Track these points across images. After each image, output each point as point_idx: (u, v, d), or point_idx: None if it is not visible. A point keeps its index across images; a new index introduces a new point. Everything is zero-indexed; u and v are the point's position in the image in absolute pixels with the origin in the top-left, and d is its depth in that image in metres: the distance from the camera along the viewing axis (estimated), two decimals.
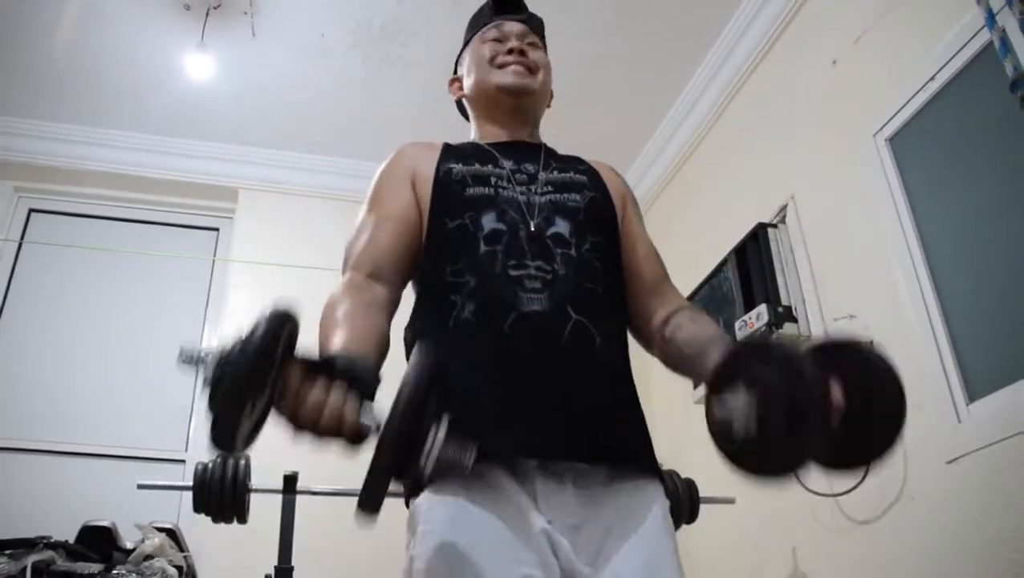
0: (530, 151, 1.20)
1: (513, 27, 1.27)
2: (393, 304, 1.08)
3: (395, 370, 1.17)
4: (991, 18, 1.62)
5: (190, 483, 1.93)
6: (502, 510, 0.87)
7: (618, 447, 0.97)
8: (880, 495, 1.93)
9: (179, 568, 1.99)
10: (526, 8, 1.31)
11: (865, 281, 2.09)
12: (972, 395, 1.72)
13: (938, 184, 1.91)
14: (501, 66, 1.22)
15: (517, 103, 1.23)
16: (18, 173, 3.19)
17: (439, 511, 0.87)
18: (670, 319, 1.11)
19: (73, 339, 3.04)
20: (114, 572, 1.86)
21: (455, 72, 1.36)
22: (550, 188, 1.13)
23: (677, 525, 2.20)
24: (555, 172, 1.16)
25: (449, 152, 1.18)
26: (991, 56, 1.67)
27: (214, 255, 3.36)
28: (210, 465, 1.95)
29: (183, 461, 2.90)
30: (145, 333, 3.11)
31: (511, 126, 1.23)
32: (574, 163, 1.22)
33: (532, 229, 1.06)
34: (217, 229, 3.43)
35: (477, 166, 1.13)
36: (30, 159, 3.17)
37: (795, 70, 2.52)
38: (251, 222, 3.32)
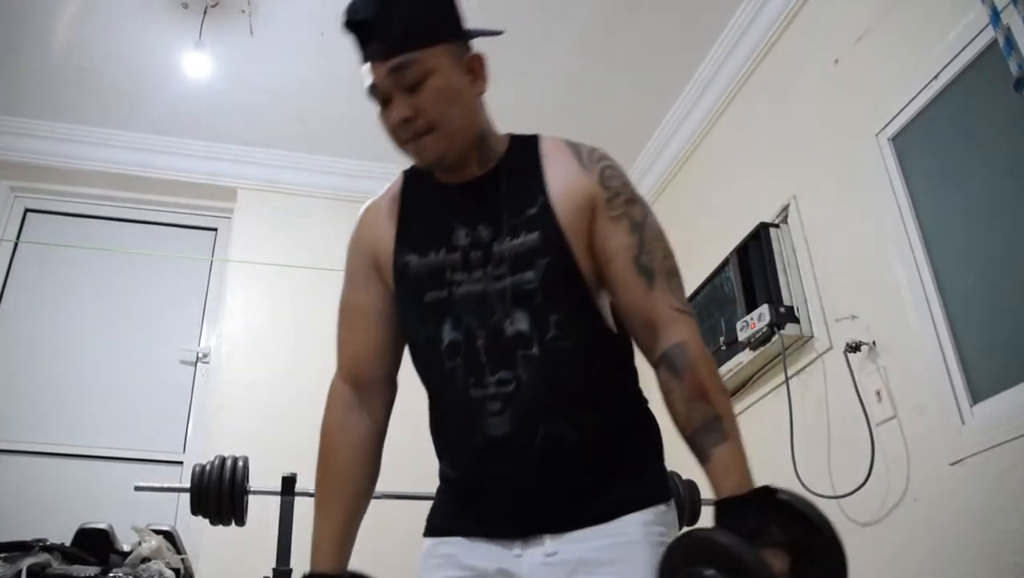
0: (486, 194, 1.05)
1: (380, 77, 0.99)
2: (386, 402, 1.13)
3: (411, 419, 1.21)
4: (995, 16, 1.61)
5: (187, 485, 1.92)
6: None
7: (593, 517, 0.98)
8: (883, 497, 1.92)
9: (176, 570, 1.98)
10: (383, 40, 0.98)
11: (867, 281, 2.08)
12: (976, 396, 1.72)
13: (941, 184, 1.90)
14: (403, 142, 1.02)
15: (440, 167, 1.07)
16: (14, 172, 3.18)
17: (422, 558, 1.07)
18: (659, 369, 1.00)
19: (69, 340, 3.02)
20: (111, 575, 1.85)
21: None
22: (505, 269, 1.01)
23: (679, 527, 2.19)
24: (510, 237, 1.02)
25: (404, 221, 1.09)
26: (995, 54, 1.66)
27: (212, 255, 3.34)
28: (208, 467, 1.93)
29: (180, 463, 2.88)
30: (142, 334, 3.10)
31: (455, 171, 1.07)
32: (530, 200, 1.03)
33: (490, 333, 1.00)
34: (215, 229, 3.42)
35: (432, 256, 1.04)
36: (26, 158, 3.15)
37: (797, 69, 2.51)
38: (250, 222, 3.30)
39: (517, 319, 1.00)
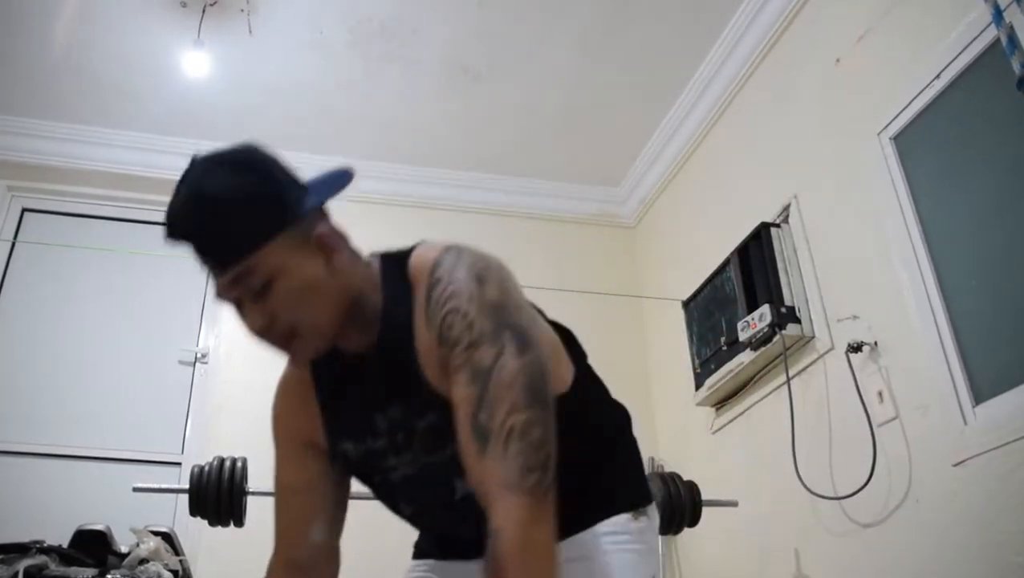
0: (382, 368, 0.98)
1: (224, 288, 0.92)
2: (330, 576, 1.07)
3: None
4: (998, 14, 1.60)
5: (186, 486, 1.91)
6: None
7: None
8: (885, 498, 1.91)
9: (175, 572, 1.97)
10: (211, 253, 0.90)
11: (869, 281, 2.07)
12: (978, 397, 1.71)
13: (943, 183, 1.89)
14: (271, 344, 0.94)
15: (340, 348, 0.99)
16: (11, 172, 3.17)
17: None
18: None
19: (67, 340, 3.01)
20: (109, 576, 1.84)
21: None
22: (428, 445, 0.97)
23: (679, 528, 2.18)
24: (417, 417, 0.97)
25: (325, 407, 1.04)
26: (998, 53, 1.65)
27: None
28: (206, 468, 1.93)
29: (179, 464, 2.87)
30: (141, 334, 3.09)
31: (344, 343, 0.98)
32: (414, 378, 0.95)
33: (442, 503, 0.99)
34: None
35: (367, 442, 1.00)
36: (24, 158, 3.14)
37: (798, 68, 2.50)
38: None
39: (458, 487, 0.96)
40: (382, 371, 0.97)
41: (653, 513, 1.06)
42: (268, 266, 0.88)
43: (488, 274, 0.92)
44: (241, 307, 0.92)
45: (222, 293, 0.92)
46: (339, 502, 1.06)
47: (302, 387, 1.06)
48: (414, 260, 0.96)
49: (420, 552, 1.14)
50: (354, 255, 0.98)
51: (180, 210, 0.92)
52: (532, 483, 0.80)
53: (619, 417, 1.13)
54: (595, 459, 1.04)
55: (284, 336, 0.91)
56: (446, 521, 1.04)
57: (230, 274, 0.89)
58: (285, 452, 1.07)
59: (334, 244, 0.95)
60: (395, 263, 0.98)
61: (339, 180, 0.98)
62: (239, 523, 1.93)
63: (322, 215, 0.97)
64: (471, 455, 0.83)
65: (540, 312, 1.07)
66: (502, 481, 0.80)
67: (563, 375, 1.02)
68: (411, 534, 1.17)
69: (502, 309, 0.89)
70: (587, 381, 1.09)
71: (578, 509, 0.96)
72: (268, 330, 0.91)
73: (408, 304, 0.95)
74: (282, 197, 0.92)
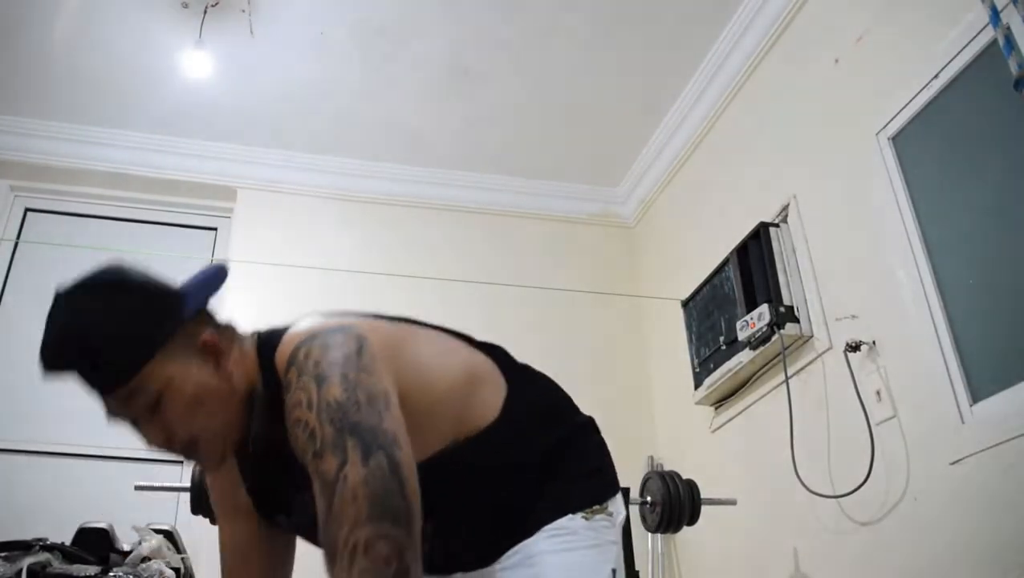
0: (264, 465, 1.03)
1: (115, 409, 0.92)
2: None
3: None
4: (995, 15, 1.60)
5: (188, 484, 1.92)
6: None
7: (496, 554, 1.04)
8: (883, 496, 1.92)
9: (177, 570, 1.98)
10: (93, 379, 0.90)
11: (867, 281, 2.08)
12: (975, 396, 1.71)
13: (941, 183, 1.90)
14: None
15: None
16: (14, 172, 3.18)
17: None
18: None
19: None
20: (111, 574, 1.85)
21: None
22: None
23: (678, 527, 2.19)
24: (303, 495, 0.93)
25: (252, 489, 1.09)
26: (995, 54, 1.66)
27: (212, 255, 3.34)
28: None
29: (180, 462, 2.88)
30: None
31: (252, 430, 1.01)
32: (287, 466, 0.94)
33: None
34: (215, 229, 3.41)
35: (297, 517, 1.04)
36: (27, 158, 3.15)
37: (797, 68, 2.51)
38: (250, 222, 3.30)
39: None
40: (259, 462, 1.02)
41: (615, 506, 1.06)
42: (154, 382, 0.88)
43: (331, 370, 0.86)
44: (137, 424, 0.92)
45: (115, 414, 0.91)
46: (282, 555, 1.12)
47: (228, 463, 1.07)
48: (277, 357, 0.94)
49: None
50: (241, 348, 0.98)
51: (53, 348, 0.89)
52: None
53: (566, 423, 1.11)
54: (534, 475, 1.03)
55: (186, 446, 0.92)
56: None
57: (118, 397, 0.89)
58: (221, 515, 1.13)
59: (221, 347, 0.94)
60: (268, 352, 0.96)
61: (214, 279, 0.98)
62: None
63: (206, 317, 0.97)
64: (326, 566, 0.78)
65: (465, 336, 1.09)
66: None
67: (489, 404, 1.02)
68: None
69: (343, 411, 0.82)
70: (522, 397, 1.05)
71: (517, 523, 1.00)
72: (168, 443, 0.91)
73: (276, 400, 0.91)
74: (157, 313, 0.91)
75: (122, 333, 0.88)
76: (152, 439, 0.91)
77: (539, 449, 1.04)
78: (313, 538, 0.99)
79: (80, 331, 0.88)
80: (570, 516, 1.01)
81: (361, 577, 0.73)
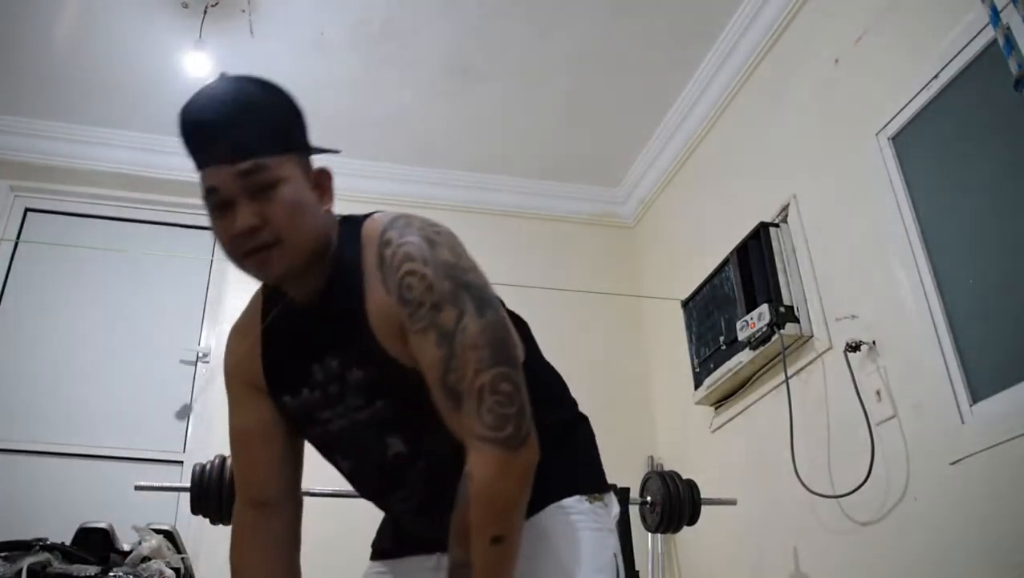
0: (326, 318, 1.00)
1: (225, 179, 0.92)
2: (293, 518, 1.10)
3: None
4: (995, 15, 1.60)
5: (188, 484, 1.92)
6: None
7: None
8: (883, 496, 1.92)
9: (177, 570, 1.98)
10: (230, 142, 0.93)
11: (867, 280, 2.08)
12: (975, 396, 1.72)
13: (941, 183, 1.90)
14: (242, 254, 0.94)
15: (283, 283, 1.01)
16: (15, 172, 3.18)
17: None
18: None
19: (70, 339, 3.02)
20: (111, 574, 1.85)
21: None
22: (360, 400, 0.99)
23: (678, 527, 2.19)
24: (355, 368, 0.98)
25: (269, 356, 1.06)
26: (995, 54, 1.66)
27: (212, 255, 3.34)
28: (207, 466, 1.94)
29: (180, 462, 2.88)
30: (142, 333, 3.10)
31: (298, 287, 1.01)
32: (358, 332, 0.97)
33: (374, 460, 1.02)
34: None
35: (303, 394, 1.02)
36: (27, 158, 3.15)
37: (797, 68, 2.51)
38: None
39: (391, 443, 1.00)
40: (324, 322, 0.99)
41: (611, 502, 1.08)
42: (277, 173, 0.93)
43: (439, 237, 0.95)
44: (229, 207, 0.92)
45: (222, 185, 0.91)
46: (295, 447, 1.09)
47: (252, 339, 1.08)
48: (367, 224, 1.00)
49: (376, 553, 1.15)
50: (329, 208, 1.03)
51: (211, 99, 0.95)
52: (505, 435, 0.85)
53: (572, 408, 1.14)
54: (553, 435, 1.03)
55: (266, 242, 0.92)
56: (380, 481, 1.05)
57: (242, 166, 0.91)
58: (239, 397, 1.09)
59: (328, 188, 1.01)
60: (351, 224, 1.02)
61: (328, 149, 1.04)
62: None
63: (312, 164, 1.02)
64: (446, 410, 0.89)
65: (500, 301, 1.08)
66: (476, 434, 0.86)
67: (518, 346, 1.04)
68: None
69: (457, 270, 0.92)
70: (537, 368, 1.09)
71: (538, 483, 0.97)
72: (254, 231, 0.91)
73: (358, 262, 0.97)
74: (304, 125, 1.00)
75: (276, 117, 0.97)
76: (242, 223, 0.91)
77: (549, 424, 1.03)
78: (306, 423, 1.04)
79: (244, 95, 0.95)
80: (578, 497, 1.03)
81: (491, 413, 0.85)
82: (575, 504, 1.02)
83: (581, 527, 1.00)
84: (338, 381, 0.99)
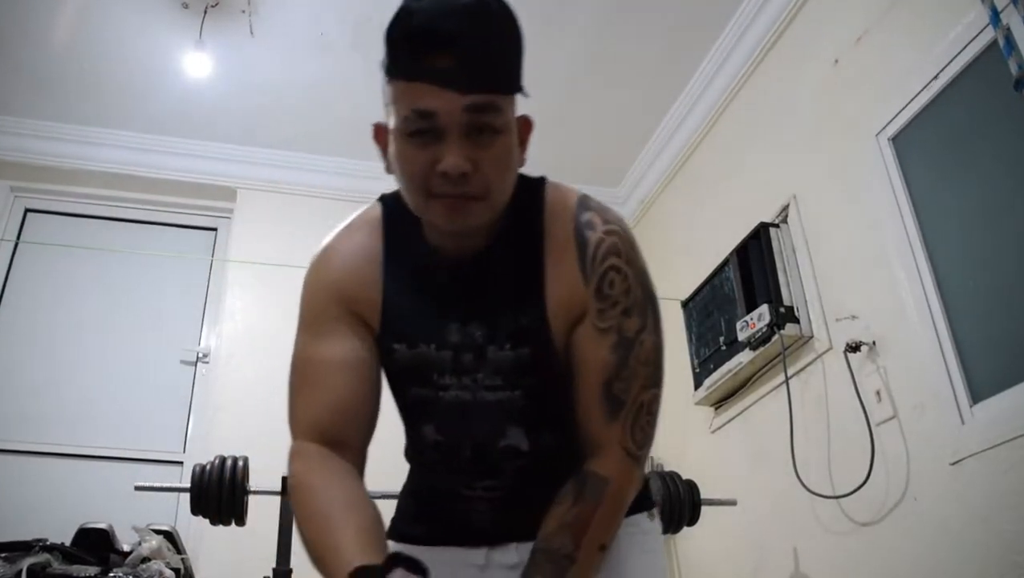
0: (482, 280, 0.91)
1: (452, 107, 0.77)
2: (359, 470, 0.90)
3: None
4: (995, 16, 1.61)
5: (188, 485, 1.92)
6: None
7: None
8: (883, 497, 1.92)
9: (176, 570, 1.98)
10: (473, 65, 0.78)
11: (867, 281, 2.08)
12: (976, 396, 1.72)
13: (941, 183, 1.90)
14: (432, 194, 0.81)
15: (460, 234, 0.88)
16: (14, 172, 3.18)
17: None
18: (571, 478, 0.88)
19: (70, 340, 3.02)
20: (111, 575, 1.85)
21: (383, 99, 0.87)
22: (499, 380, 0.90)
23: (678, 527, 2.19)
24: (505, 345, 0.89)
25: (390, 295, 0.92)
26: (995, 54, 1.66)
27: (212, 255, 3.34)
28: (208, 467, 1.94)
29: (180, 462, 2.89)
30: (142, 334, 3.10)
31: (458, 240, 0.90)
32: (527, 306, 0.89)
33: (477, 445, 0.93)
34: (215, 229, 3.42)
35: (422, 348, 0.91)
36: (27, 158, 3.15)
37: (797, 69, 2.51)
38: (249, 222, 3.30)
39: (510, 434, 0.92)
40: (481, 282, 0.90)
41: (656, 516, 1.07)
42: (507, 115, 0.81)
43: (633, 238, 0.92)
44: (436, 137, 0.79)
45: (445, 112, 0.77)
46: (377, 395, 0.93)
47: (369, 262, 0.94)
48: (551, 191, 0.93)
49: (400, 535, 1.00)
50: None
51: (455, 3, 0.78)
52: (643, 454, 0.89)
53: None
54: None
55: (474, 193, 0.80)
56: (472, 466, 0.94)
57: (477, 99, 0.77)
58: (331, 322, 0.91)
59: (528, 139, 0.90)
60: (527, 185, 0.93)
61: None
62: (240, 522, 1.94)
63: None
64: (598, 415, 0.87)
65: None
66: (623, 444, 0.87)
67: None
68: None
69: (647, 278, 0.91)
70: None
71: None
72: (463, 178, 0.79)
73: (539, 230, 0.90)
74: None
75: (520, 47, 0.83)
76: (455, 164, 0.78)
77: None
78: (411, 380, 0.92)
79: (501, 14, 0.81)
80: (644, 513, 1.01)
81: (642, 431, 0.88)
82: (641, 521, 1.00)
83: (648, 550, 0.99)
84: (476, 353, 0.90)
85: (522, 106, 0.88)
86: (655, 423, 0.89)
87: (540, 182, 0.94)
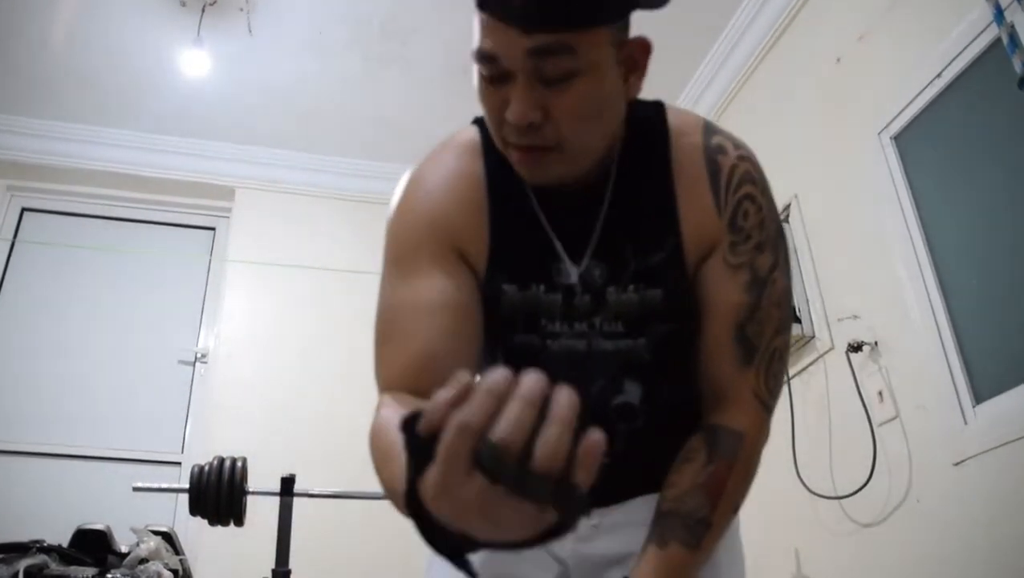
0: (601, 212, 0.81)
1: (513, 51, 0.69)
2: None
3: None
4: (999, 14, 1.60)
5: (186, 485, 1.92)
6: None
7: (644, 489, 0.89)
8: (885, 498, 1.91)
9: (175, 571, 1.97)
10: (547, 6, 0.67)
11: (869, 281, 2.08)
12: (978, 397, 1.71)
13: (944, 182, 1.89)
14: (506, 141, 0.75)
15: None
16: (11, 171, 3.17)
17: None
18: (699, 432, 0.82)
19: (67, 339, 3.01)
20: (109, 576, 1.84)
21: None
22: (620, 326, 0.81)
23: None
24: (630, 287, 0.80)
25: (497, 229, 0.82)
26: (999, 52, 1.65)
27: (210, 254, 3.33)
28: (206, 467, 1.93)
29: (179, 463, 2.88)
30: (140, 334, 3.09)
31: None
32: (659, 240, 0.81)
33: (592, 405, 0.82)
34: (213, 228, 3.41)
35: (533, 289, 0.81)
36: (23, 157, 3.14)
37: (799, 67, 2.50)
38: (248, 221, 3.30)
39: (627, 390, 0.84)
40: (600, 216, 0.80)
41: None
42: (583, 59, 0.69)
43: (763, 171, 0.84)
44: (505, 80, 0.70)
45: (506, 56, 0.68)
46: (477, 345, 0.79)
47: (472, 190, 0.83)
48: (673, 114, 0.85)
49: None
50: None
51: None
52: (774, 404, 0.83)
53: None
54: None
55: (545, 144, 0.72)
56: None
57: (540, 41, 0.67)
58: (427, 261, 0.79)
59: (644, 65, 0.79)
60: (646, 109, 0.84)
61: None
62: (239, 522, 1.93)
63: (628, 26, 0.77)
64: (730, 360, 0.80)
65: None
66: (757, 393, 0.81)
67: None
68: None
69: (778, 214, 0.83)
70: None
71: None
72: (532, 128, 0.70)
73: (666, 156, 0.81)
74: None
75: None
76: (519, 114, 0.69)
77: None
78: (518, 325, 0.81)
79: None
80: None
81: (774, 378, 0.81)
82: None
83: (732, 545, 0.92)
84: (595, 296, 0.81)
85: None
86: (785, 371, 0.84)
87: (660, 105, 0.86)
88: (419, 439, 0.42)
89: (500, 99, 0.71)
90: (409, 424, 0.43)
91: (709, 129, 0.84)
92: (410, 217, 0.82)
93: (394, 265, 0.81)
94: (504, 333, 0.83)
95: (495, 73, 0.70)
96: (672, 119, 0.84)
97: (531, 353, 0.83)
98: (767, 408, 0.81)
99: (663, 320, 0.81)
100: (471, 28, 0.73)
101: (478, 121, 0.88)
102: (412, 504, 0.44)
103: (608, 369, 0.83)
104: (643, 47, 0.79)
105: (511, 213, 0.82)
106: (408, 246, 0.81)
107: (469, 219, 0.82)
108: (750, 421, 0.80)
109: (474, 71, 0.74)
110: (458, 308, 0.77)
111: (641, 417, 0.84)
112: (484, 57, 0.70)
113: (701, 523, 0.77)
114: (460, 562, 0.48)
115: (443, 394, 0.41)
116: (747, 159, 0.82)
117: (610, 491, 0.88)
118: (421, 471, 0.42)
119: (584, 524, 0.89)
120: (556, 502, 0.41)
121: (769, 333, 0.80)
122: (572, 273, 0.81)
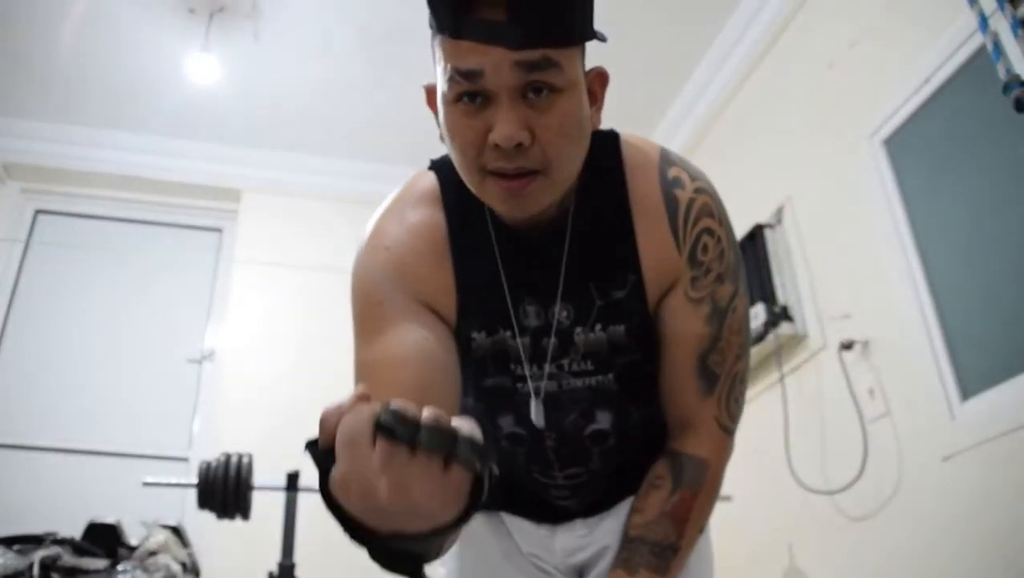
0: (561, 254, 0.80)
1: (499, 67, 0.67)
2: None
3: None
4: (984, 22, 1.64)
5: (194, 481, 1.96)
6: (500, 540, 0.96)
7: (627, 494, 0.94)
8: (875, 492, 1.95)
9: (183, 564, 2.01)
10: (522, 16, 0.66)
11: (861, 280, 2.11)
12: (966, 392, 1.74)
13: (933, 185, 1.93)
14: (487, 170, 0.71)
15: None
16: (25, 174, 3.23)
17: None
18: (663, 457, 0.86)
19: (79, 338, 3.06)
20: (119, 568, 1.88)
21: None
22: (589, 364, 0.82)
23: None
24: (597, 326, 0.81)
25: (462, 282, 0.81)
26: (984, 59, 1.69)
27: (217, 255, 3.38)
28: (214, 463, 1.97)
29: (187, 459, 2.93)
30: (149, 333, 3.14)
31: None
32: (619, 278, 0.80)
33: (562, 435, 0.86)
34: (220, 230, 3.46)
35: (500, 333, 0.81)
36: (37, 160, 3.20)
37: (791, 73, 2.54)
38: (254, 223, 3.34)
39: (599, 419, 0.86)
40: (563, 257, 0.79)
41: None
42: (567, 75, 0.68)
43: (718, 194, 0.83)
44: (486, 102, 0.68)
45: (490, 72, 0.65)
46: (456, 392, 0.77)
47: (435, 244, 0.81)
48: (628, 147, 0.83)
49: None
50: None
51: None
52: (736, 426, 0.86)
53: None
54: None
55: (531, 167, 0.69)
56: (555, 457, 0.88)
57: (530, 56, 0.65)
58: (395, 315, 0.77)
59: (602, 95, 0.78)
60: (602, 139, 0.82)
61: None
62: (245, 516, 1.97)
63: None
64: (691, 390, 0.82)
65: None
66: (719, 420, 0.84)
67: None
68: None
69: (736, 243, 0.83)
70: None
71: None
72: (521, 148, 0.67)
73: (622, 192, 0.79)
74: (590, 5, 0.73)
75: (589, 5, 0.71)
76: (507, 134, 0.66)
77: None
78: (488, 370, 0.82)
79: None
80: None
81: (736, 403, 0.84)
82: None
83: (703, 551, 0.94)
84: (563, 338, 0.81)
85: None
86: (745, 392, 0.85)
87: (614, 137, 0.84)
88: (320, 450, 0.46)
89: (481, 124, 0.68)
90: (310, 442, 0.47)
91: (665, 160, 0.82)
92: (376, 274, 0.80)
93: (363, 323, 0.79)
94: (476, 375, 0.85)
95: (474, 92, 0.68)
96: (627, 152, 0.83)
97: (503, 394, 0.85)
98: (729, 432, 0.85)
99: (629, 354, 0.83)
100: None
101: (434, 166, 0.88)
102: (329, 504, 0.46)
103: (580, 403, 0.85)
104: (601, 78, 0.79)
105: (475, 262, 0.81)
106: (374, 303, 0.79)
107: (434, 272, 0.80)
108: (713, 447, 0.84)
109: (440, 107, 0.72)
110: (432, 358, 0.75)
111: (613, 437, 0.88)
112: (468, 75, 0.67)
113: (669, 549, 0.81)
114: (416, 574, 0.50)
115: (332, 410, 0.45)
116: (704, 191, 0.81)
117: (594, 504, 0.93)
118: (328, 473, 0.45)
119: (575, 535, 0.94)
120: (457, 454, 0.44)
121: (730, 360, 0.82)
122: (539, 317, 0.81)
